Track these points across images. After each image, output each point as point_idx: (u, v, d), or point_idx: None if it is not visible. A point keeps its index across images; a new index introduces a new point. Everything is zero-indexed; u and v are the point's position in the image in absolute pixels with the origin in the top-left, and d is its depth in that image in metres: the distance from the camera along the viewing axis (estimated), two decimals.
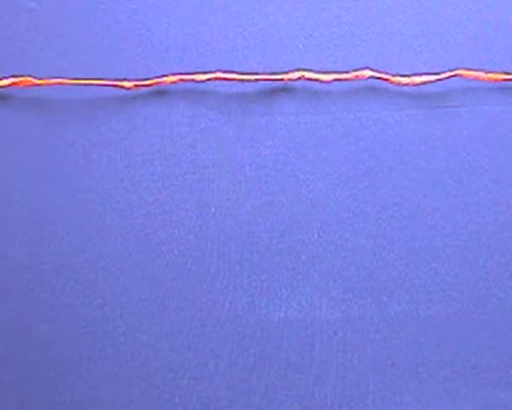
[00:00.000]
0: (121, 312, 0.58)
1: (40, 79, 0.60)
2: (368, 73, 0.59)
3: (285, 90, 0.60)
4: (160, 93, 0.60)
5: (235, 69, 0.60)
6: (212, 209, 0.59)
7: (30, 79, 0.60)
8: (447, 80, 0.59)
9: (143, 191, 0.60)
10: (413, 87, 0.59)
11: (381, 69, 0.59)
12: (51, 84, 0.60)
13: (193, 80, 0.60)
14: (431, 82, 0.59)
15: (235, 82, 0.59)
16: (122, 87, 0.60)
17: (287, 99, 0.60)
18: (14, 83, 0.60)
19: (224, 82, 0.59)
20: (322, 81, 0.59)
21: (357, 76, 0.59)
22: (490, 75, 0.59)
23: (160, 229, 0.59)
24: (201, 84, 0.60)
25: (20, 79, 0.60)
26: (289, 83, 0.60)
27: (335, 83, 0.60)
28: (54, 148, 0.60)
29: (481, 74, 0.59)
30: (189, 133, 0.60)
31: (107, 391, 0.57)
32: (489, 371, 0.56)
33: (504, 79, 0.59)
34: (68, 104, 0.61)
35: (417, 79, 0.59)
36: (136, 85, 0.60)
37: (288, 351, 0.57)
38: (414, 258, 0.58)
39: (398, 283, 0.58)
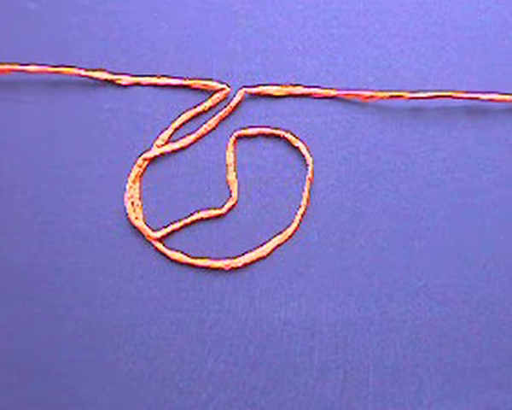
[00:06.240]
0: (121, 312, 0.58)
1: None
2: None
3: None
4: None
5: None
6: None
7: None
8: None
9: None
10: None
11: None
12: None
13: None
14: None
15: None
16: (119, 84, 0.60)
17: None
18: None
19: None
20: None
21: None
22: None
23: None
24: None
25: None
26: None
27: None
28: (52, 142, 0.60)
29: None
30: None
31: (107, 392, 0.57)
32: (489, 372, 0.56)
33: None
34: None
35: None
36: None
37: (287, 353, 0.57)
38: (414, 259, 0.58)
39: (398, 284, 0.58)
